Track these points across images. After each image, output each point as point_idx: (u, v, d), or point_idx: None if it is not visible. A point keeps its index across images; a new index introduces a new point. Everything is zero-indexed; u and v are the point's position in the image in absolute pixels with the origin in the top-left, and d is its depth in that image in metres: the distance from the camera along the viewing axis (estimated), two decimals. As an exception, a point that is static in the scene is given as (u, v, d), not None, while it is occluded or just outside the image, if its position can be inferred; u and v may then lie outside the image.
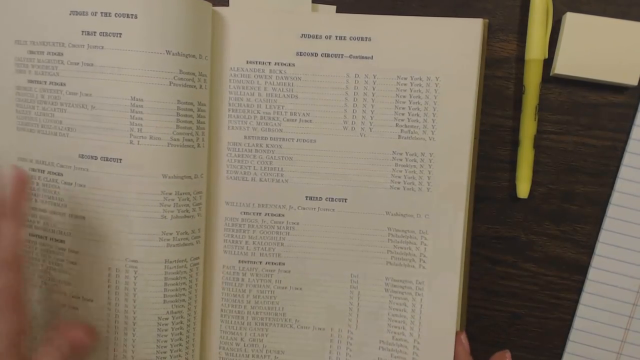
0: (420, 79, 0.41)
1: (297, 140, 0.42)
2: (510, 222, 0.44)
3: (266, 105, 0.42)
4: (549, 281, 0.45)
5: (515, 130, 0.43)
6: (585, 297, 0.44)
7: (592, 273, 0.44)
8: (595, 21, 0.40)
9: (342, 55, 0.41)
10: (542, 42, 0.41)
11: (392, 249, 0.42)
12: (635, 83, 0.41)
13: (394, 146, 0.42)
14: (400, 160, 0.42)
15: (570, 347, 0.45)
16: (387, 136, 0.42)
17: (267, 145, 0.42)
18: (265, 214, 0.43)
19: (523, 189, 0.43)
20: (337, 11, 0.43)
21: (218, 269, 0.44)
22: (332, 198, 0.42)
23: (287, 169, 0.42)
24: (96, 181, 0.40)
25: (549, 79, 0.42)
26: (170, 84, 0.39)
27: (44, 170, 0.41)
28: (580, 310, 0.44)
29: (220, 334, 0.44)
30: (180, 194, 0.40)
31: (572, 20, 0.40)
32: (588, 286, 0.44)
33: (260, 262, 0.43)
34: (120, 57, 0.38)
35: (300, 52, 0.41)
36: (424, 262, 0.42)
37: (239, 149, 0.42)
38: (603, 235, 0.43)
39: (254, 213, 0.43)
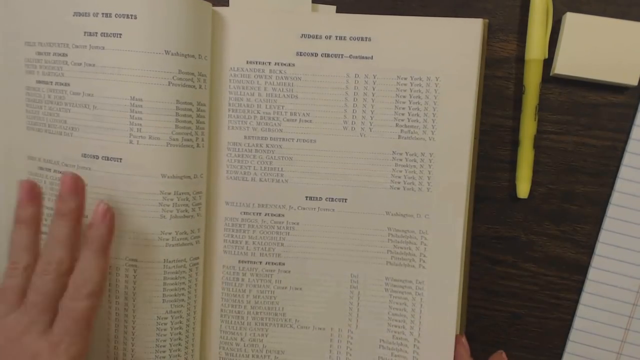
0: (420, 79, 0.41)
1: (297, 140, 0.42)
2: (510, 222, 0.44)
3: (266, 105, 0.42)
4: (549, 281, 0.45)
5: (515, 130, 0.43)
6: (585, 297, 0.44)
7: (592, 273, 0.43)
8: (595, 21, 0.40)
9: (342, 55, 0.41)
10: (542, 42, 0.41)
11: (392, 249, 0.42)
12: (635, 83, 0.40)
13: (394, 146, 0.42)
14: (400, 160, 0.42)
15: (570, 347, 0.45)
16: (387, 136, 0.42)
17: (267, 145, 0.42)
18: (265, 214, 0.43)
19: (523, 189, 0.43)
20: (337, 11, 0.43)
21: (218, 269, 0.44)
22: (332, 198, 0.42)
23: (287, 169, 0.42)
24: (97, 180, 0.40)
25: (549, 79, 0.42)
26: (169, 84, 0.39)
27: (50, 169, 0.41)
28: (580, 310, 0.44)
29: (220, 333, 0.44)
30: (180, 194, 0.40)
31: (572, 20, 0.40)
32: (588, 286, 0.44)
33: (260, 262, 0.43)
34: (120, 57, 0.38)
35: (300, 52, 0.41)
36: (424, 262, 0.42)
37: (239, 149, 0.43)
38: (603, 235, 0.43)
39: (254, 213, 0.43)
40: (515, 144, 0.43)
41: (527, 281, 0.45)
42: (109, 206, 0.38)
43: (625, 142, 0.42)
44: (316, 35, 0.41)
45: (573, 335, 0.44)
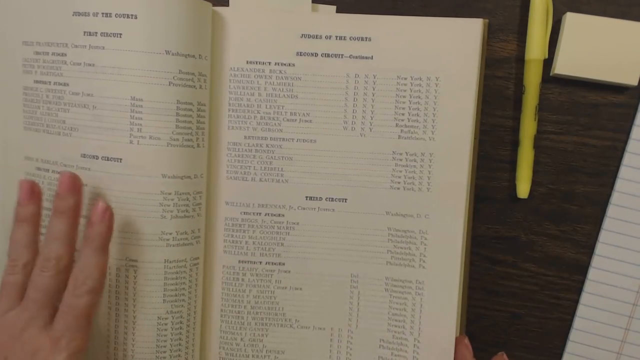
0: (420, 79, 0.41)
1: (297, 140, 0.42)
2: (510, 222, 0.44)
3: (266, 105, 0.42)
4: (549, 281, 0.45)
5: (515, 130, 0.43)
6: (585, 297, 0.44)
7: (592, 273, 0.44)
8: (595, 21, 0.40)
9: (342, 55, 0.41)
10: (542, 42, 0.41)
11: (392, 249, 0.42)
12: (635, 83, 0.41)
13: (394, 146, 0.42)
14: (400, 160, 0.42)
15: (570, 347, 0.45)
16: (387, 136, 0.42)
17: (267, 145, 0.42)
18: (265, 214, 0.43)
19: (523, 189, 0.43)
20: (337, 11, 0.43)
21: (218, 269, 0.44)
22: (332, 198, 0.42)
23: (287, 169, 0.42)
24: (97, 181, 0.40)
25: (549, 79, 0.42)
26: (169, 84, 0.39)
27: (48, 170, 0.41)
28: (580, 310, 0.44)
29: (220, 333, 0.44)
30: (180, 194, 0.40)
31: (572, 20, 0.40)
32: (588, 286, 0.44)
33: (260, 262, 0.43)
34: (120, 57, 0.38)
35: (300, 52, 0.41)
36: (424, 262, 0.42)
37: (239, 149, 0.42)
38: (603, 235, 0.43)
39: (254, 213, 0.43)
40: (515, 144, 0.43)
41: (527, 281, 0.45)
42: (107, 204, 0.38)
43: (625, 142, 0.42)
44: (316, 35, 0.41)
45: (573, 335, 0.44)
